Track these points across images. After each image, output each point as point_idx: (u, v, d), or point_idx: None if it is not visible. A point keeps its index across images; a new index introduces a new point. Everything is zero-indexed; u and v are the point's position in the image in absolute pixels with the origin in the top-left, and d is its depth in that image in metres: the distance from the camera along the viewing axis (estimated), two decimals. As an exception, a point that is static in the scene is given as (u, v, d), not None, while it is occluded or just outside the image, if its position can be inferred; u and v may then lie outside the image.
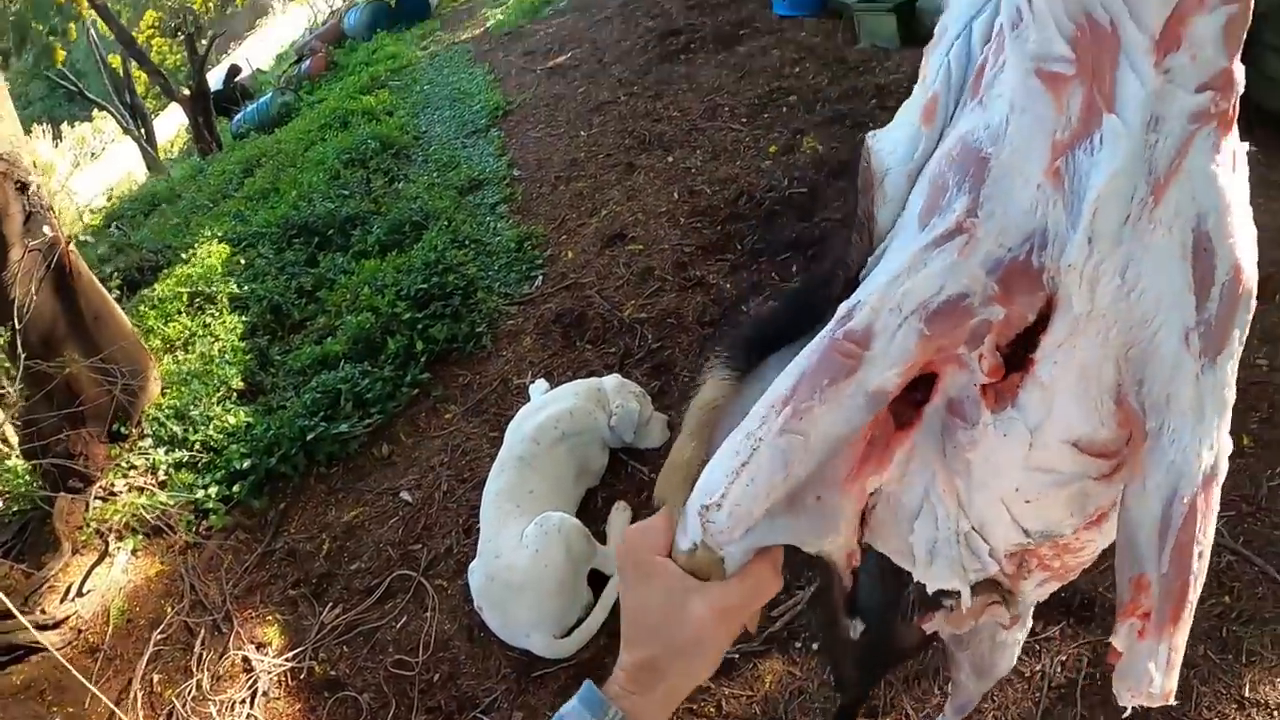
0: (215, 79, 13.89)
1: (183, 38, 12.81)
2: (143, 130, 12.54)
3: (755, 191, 5.24)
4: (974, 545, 0.96)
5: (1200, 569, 0.80)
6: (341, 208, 6.37)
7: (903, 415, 0.89)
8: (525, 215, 5.90)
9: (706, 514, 0.84)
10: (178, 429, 4.32)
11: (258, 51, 19.22)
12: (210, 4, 26.70)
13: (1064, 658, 2.48)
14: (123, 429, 4.46)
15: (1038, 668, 2.47)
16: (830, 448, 0.83)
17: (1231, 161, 0.73)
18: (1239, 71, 0.69)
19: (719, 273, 4.59)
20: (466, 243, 5.46)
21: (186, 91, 11.46)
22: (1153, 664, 0.83)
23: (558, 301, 4.73)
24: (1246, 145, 0.73)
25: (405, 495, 3.73)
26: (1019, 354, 0.81)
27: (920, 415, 0.89)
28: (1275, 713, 2.28)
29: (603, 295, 4.65)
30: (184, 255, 6.48)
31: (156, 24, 23.24)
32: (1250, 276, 0.74)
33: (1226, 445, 0.79)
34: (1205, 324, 0.74)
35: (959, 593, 1.02)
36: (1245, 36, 0.67)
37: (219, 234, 6.66)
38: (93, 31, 13.27)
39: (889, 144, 0.88)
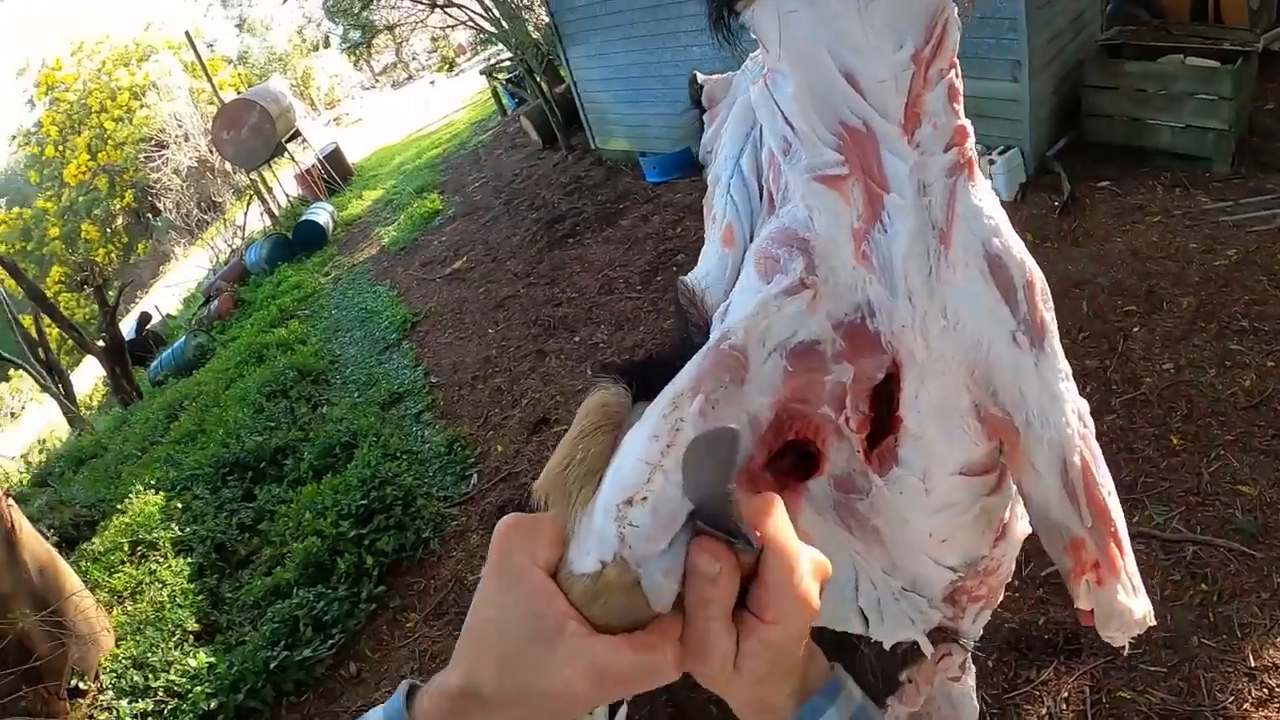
0: (127, 328, 13.98)
1: (89, 291, 12.97)
2: (60, 386, 12.53)
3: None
4: (913, 601, 1.02)
5: (1113, 503, 0.93)
6: (270, 440, 6.48)
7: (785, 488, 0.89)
8: (449, 418, 6.10)
9: (625, 513, 0.65)
10: (138, 678, 4.27)
11: (165, 297, 19.39)
12: (113, 255, 27.06)
13: (1065, 694, 2.65)
14: (80, 684, 4.39)
15: (1043, 711, 2.63)
16: None
17: (985, 189, 0.85)
18: (968, 123, 0.82)
19: (645, 436, 4.84)
20: (398, 454, 5.61)
21: (101, 344, 11.56)
22: (1123, 596, 0.95)
23: (496, 495, 4.88)
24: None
25: (382, 711, 3.71)
26: (884, 419, 0.89)
27: (803, 490, 0.91)
28: (1284, 670, 2.49)
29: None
30: (119, 506, 6.45)
31: (63, 279, 23.46)
32: (1035, 270, 0.87)
33: (1082, 403, 0.92)
34: (1023, 322, 0.86)
35: (918, 654, 1.09)
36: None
37: (152, 482, 6.68)
38: (1, 291, 13.35)
39: (700, 274, 0.97)
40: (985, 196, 0.85)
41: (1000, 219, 0.86)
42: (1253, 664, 2.52)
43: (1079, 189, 5.37)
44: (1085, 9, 5.98)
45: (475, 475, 5.22)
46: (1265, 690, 2.45)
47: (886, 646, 1.05)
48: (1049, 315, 0.89)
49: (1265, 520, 2.95)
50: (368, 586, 4.40)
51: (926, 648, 1.06)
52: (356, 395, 7.17)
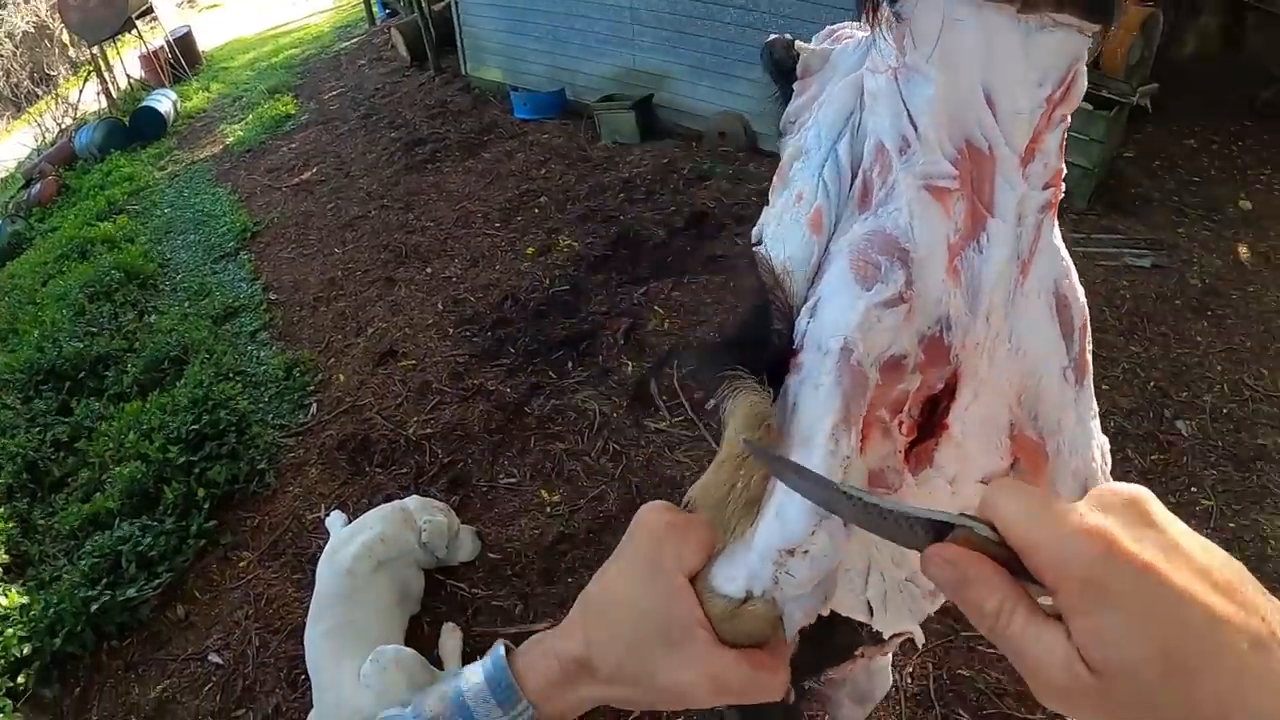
0: (-69, 207, 12.91)
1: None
2: None
3: (519, 293, 5.49)
4: (910, 593, 1.06)
5: None
6: (91, 346, 6.07)
7: None
8: (289, 340, 5.86)
9: (786, 561, 0.72)
10: (-60, 619, 3.89)
11: (-22, 176, 17.93)
12: (-77, 126, 24.71)
13: (910, 669, 2.84)
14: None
15: (889, 687, 2.79)
16: None
17: (1059, 233, 0.91)
18: (1064, 167, 0.86)
19: (496, 378, 4.74)
20: (231, 375, 5.36)
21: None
22: None
23: (338, 427, 4.71)
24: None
25: (214, 658, 3.49)
26: (928, 422, 0.94)
27: None
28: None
29: (383, 416, 4.69)
30: (-86, 413, 5.90)
31: None
32: (1087, 314, 0.95)
33: (1104, 439, 1.01)
34: (1074, 360, 0.94)
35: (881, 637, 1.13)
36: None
37: (-47, 384, 6.14)
38: None
39: (787, 251, 0.95)
40: (1059, 238, 0.91)
41: (1070, 263, 0.93)
42: (1077, 649, 2.74)
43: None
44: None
45: (315, 405, 5.03)
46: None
47: (886, 636, 1.11)
48: (1090, 357, 0.97)
49: (1085, 526, 3.17)
50: (197, 520, 4.13)
51: (920, 638, 1.13)
52: (188, 305, 6.77)
